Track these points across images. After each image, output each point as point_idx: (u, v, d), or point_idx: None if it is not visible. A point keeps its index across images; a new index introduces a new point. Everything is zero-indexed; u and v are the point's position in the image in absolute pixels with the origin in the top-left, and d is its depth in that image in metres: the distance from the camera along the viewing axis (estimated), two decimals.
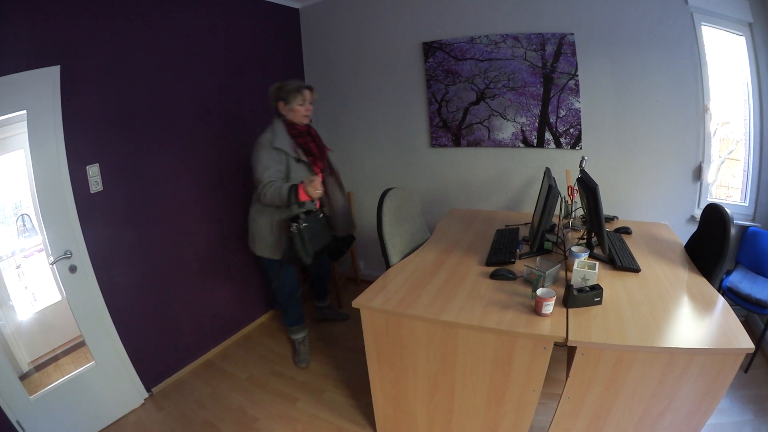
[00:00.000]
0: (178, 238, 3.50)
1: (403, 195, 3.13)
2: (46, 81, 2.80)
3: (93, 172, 2.99)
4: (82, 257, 3.03)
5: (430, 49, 3.62)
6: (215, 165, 3.67)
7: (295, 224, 2.77)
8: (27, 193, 4.30)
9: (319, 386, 3.29)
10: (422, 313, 1.98)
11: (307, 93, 2.87)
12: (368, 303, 2.14)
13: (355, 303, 2.18)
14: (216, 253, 3.76)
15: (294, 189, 2.65)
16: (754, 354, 2.69)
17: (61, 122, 2.79)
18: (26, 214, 4.75)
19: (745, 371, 2.66)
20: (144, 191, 3.07)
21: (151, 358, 3.31)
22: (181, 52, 3.36)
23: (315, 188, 2.63)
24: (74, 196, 2.94)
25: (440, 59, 3.59)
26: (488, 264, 2.36)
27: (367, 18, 3.96)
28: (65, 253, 2.98)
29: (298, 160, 2.87)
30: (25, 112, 2.81)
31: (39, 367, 4.18)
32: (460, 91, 3.59)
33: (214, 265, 3.76)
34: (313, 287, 3.85)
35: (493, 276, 2.19)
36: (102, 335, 3.15)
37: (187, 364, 3.58)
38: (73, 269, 2.98)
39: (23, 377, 4.01)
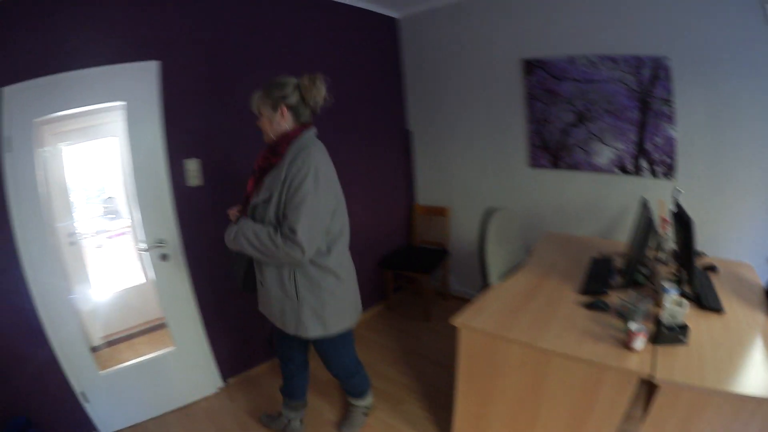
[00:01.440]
0: None
1: (506, 216, 3.34)
2: (145, 75, 3.09)
3: (192, 166, 3.26)
4: (175, 247, 3.30)
5: (530, 66, 3.85)
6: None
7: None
8: (116, 179, 4.85)
9: (398, 396, 3.47)
10: (519, 338, 2.16)
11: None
12: (468, 323, 2.35)
13: (455, 322, 2.38)
14: None
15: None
16: None
17: (159, 115, 3.10)
18: (113, 197, 5.36)
19: None
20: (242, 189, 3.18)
21: (231, 349, 3.67)
22: (279, 54, 3.71)
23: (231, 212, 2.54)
24: (172, 188, 3.22)
25: (540, 78, 3.82)
26: (583, 293, 2.56)
27: (466, 30, 4.23)
28: (159, 242, 3.20)
29: None
30: (125, 103, 3.07)
31: (111, 343, 4.65)
32: (560, 112, 3.79)
33: None
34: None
35: (588, 306, 2.39)
36: (186, 322, 3.43)
37: (267, 360, 3.95)
38: (164, 257, 3.21)
39: (93, 350, 4.42)
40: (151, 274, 3.33)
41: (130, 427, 3.41)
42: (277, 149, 2.29)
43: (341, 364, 2.89)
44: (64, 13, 2.82)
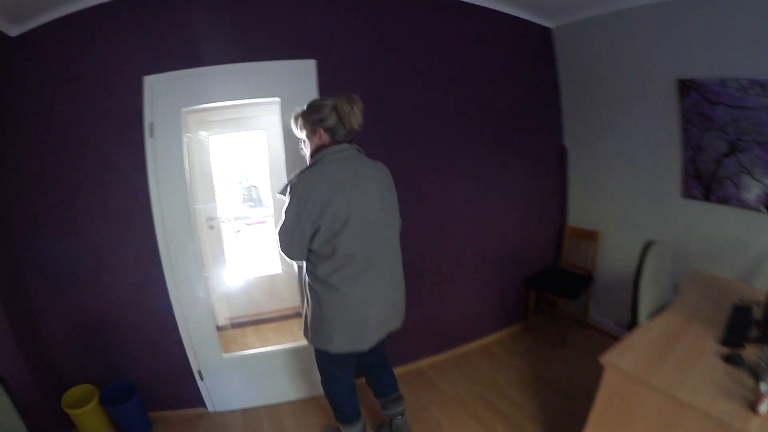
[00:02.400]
0: (432, 240, 4.19)
1: (663, 251, 3.32)
2: (301, 73, 3.38)
3: None
4: None
5: (685, 87, 3.77)
6: (478, 179, 4.41)
7: None
8: (261, 169, 5.18)
9: (520, 423, 3.57)
10: (661, 386, 2.19)
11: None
12: (616, 362, 2.40)
13: (603, 359, 2.45)
14: (465, 260, 4.45)
15: None
16: None
17: None
18: (255, 186, 5.89)
19: None
20: (407, 191, 3.23)
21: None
22: (430, 61, 3.93)
23: None
24: None
25: (695, 100, 3.73)
26: (722, 343, 2.56)
27: (622, 42, 4.21)
28: None
29: None
30: (278, 99, 3.39)
31: (237, 325, 5.19)
32: (713, 140, 3.69)
33: (458, 273, 4.46)
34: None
35: (726, 359, 2.39)
36: None
37: (396, 366, 4.03)
38: None
39: (218, 329, 4.75)
40: (288, 266, 3.49)
41: (240, 409, 3.82)
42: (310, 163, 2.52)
43: (324, 383, 3.08)
44: (218, 5, 3.22)
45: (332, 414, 3.23)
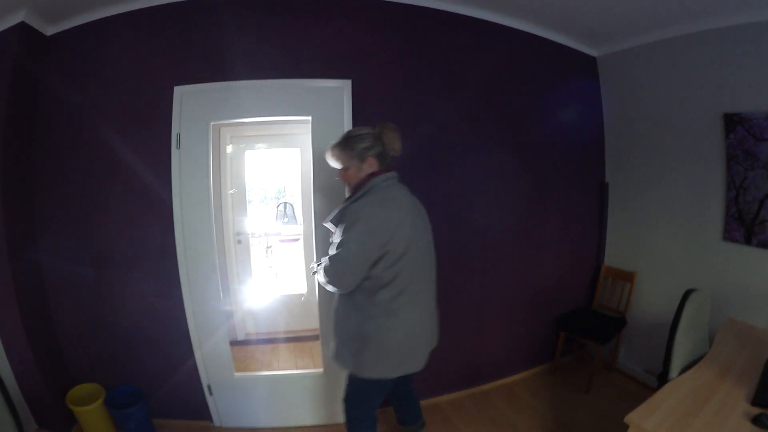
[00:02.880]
0: (463, 271, 4.16)
1: (701, 299, 3.23)
2: (333, 92, 3.36)
3: None
4: None
5: (730, 122, 3.63)
6: (512, 209, 4.27)
7: None
8: (295, 187, 5.29)
9: None
10: None
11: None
12: (641, 423, 2.31)
13: (629, 419, 2.35)
14: (495, 295, 4.36)
15: None
16: None
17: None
18: (290, 203, 5.89)
19: None
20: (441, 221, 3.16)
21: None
22: (469, 86, 3.92)
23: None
24: None
25: (741, 136, 3.59)
26: (753, 403, 2.45)
27: (665, 73, 4.14)
28: None
29: None
30: (309, 117, 3.38)
31: (255, 342, 5.19)
32: (757, 179, 3.54)
33: (487, 308, 4.37)
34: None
35: (755, 420, 2.30)
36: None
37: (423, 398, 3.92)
38: None
39: (236, 343, 4.96)
40: (314, 288, 3.51)
41: (248, 428, 3.82)
42: (354, 191, 2.60)
43: (354, 410, 2.99)
44: (254, 21, 3.26)
45: None
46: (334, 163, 2.65)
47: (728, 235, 3.85)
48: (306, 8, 3.37)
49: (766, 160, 3.48)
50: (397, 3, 3.58)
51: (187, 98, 3.22)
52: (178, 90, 3.23)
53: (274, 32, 3.32)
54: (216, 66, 3.24)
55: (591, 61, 4.74)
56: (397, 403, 3.32)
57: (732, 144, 3.70)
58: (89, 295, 3.54)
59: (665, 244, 4.48)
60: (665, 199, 4.43)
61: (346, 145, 2.59)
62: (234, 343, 5.06)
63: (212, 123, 3.29)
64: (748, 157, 3.60)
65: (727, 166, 3.77)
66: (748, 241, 3.70)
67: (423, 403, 3.70)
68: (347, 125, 3.41)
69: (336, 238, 2.49)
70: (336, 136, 2.72)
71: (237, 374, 3.74)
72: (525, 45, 4.18)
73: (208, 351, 3.64)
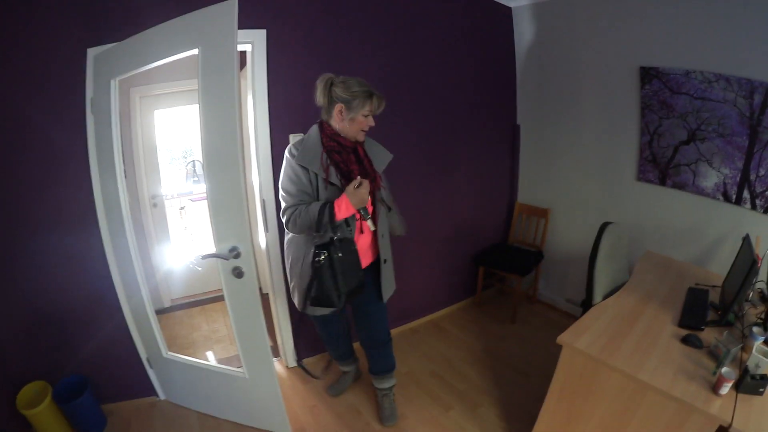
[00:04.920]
0: None
1: (619, 232, 3.39)
2: (225, 17, 2.43)
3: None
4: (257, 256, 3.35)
5: (647, 75, 3.80)
6: (429, 154, 4.23)
7: (323, 253, 2.39)
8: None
9: (476, 400, 3.53)
10: (622, 367, 2.21)
11: (376, 102, 2.50)
12: (573, 343, 2.41)
13: (560, 340, 2.45)
14: (413, 237, 4.15)
15: (328, 206, 2.41)
16: None
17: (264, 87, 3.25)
18: (199, 161, 5.72)
19: None
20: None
21: (312, 331, 3.47)
22: (390, 35, 3.81)
23: (361, 194, 2.43)
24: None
25: (656, 88, 3.77)
26: (679, 325, 2.60)
27: (583, 27, 4.19)
28: (231, 250, 2.69)
29: (331, 184, 2.51)
30: (196, 51, 2.60)
31: (185, 306, 5.04)
32: (673, 127, 3.75)
33: (407, 250, 4.27)
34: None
35: (684, 340, 2.43)
36: (259, 357, 3.02)
37: None
38: (239, 273, 2.72)
39: (163, 311, 4.80)
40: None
41: (188, 408, 3.54)
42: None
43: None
44: None
45: None
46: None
47: (642, 176, 4.08)
48: None
49: (681, 111, 3.68)
50: None
51: (98, 60, 2.86)
52: (91, 52, 2.87)
53: None
54: (123, 22, 2.87)
55: (507, 11, 4.75)
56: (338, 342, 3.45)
57: (647, 94, 3.88)
58: (9, 282, 3.02)
59: (580, 183, 4.67)
60: (579, 142, 4.58)
61: None
62: (161, 311, 4.79)
63: (117, 79, 2.88)
64: (663, 107, 3.80)
65: (642, 113, 3.96)
66: (662, 182, 3.94)
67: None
68: (264, 77, 3.27)
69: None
70: (228, 70, 2.39)
71: (167, 355, 3.42)
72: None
73: (140, 322, 3.36)
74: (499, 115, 5.02)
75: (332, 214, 2.40)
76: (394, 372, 3.32)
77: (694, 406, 1.98)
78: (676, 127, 3.75)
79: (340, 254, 2.43)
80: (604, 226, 3.24)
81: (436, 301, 4.93)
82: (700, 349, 2.40)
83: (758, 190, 3.37)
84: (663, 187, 3.94)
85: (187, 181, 5.59)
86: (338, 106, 2.46)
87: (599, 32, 4.11)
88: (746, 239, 2.82)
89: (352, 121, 2.49)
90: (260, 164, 3.40)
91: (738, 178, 3.47)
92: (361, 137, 2.60)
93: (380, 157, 2.77)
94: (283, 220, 2.56)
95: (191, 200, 5.50)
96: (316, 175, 2.48)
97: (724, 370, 2.02)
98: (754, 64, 3.22)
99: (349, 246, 2.52)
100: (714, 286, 3.12)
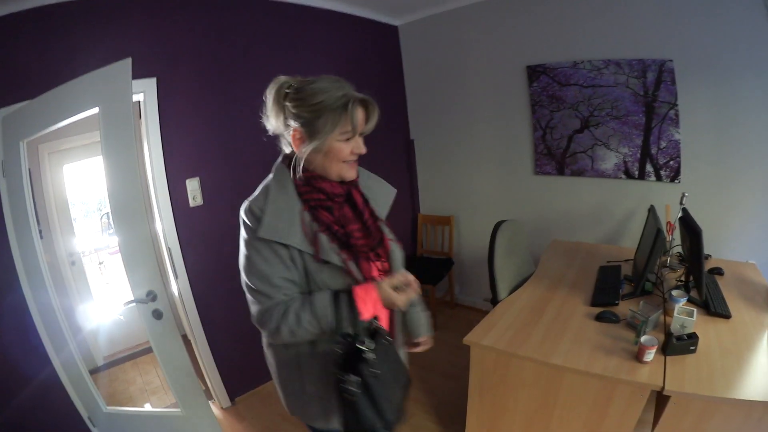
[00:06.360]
0: None
1: (514, 227, 3.37)
2: (122, 75, 2.59)
3: (193, 186, 3.20)
4: (175, 297, 3.25)
5: (534, 73, 3.85)
6: None
7: (352, 379, 1.36)
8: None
9: (410, 411, 3.29)
10: (532, 355, 2.17)
11: (360, 112, 1.50)
12: (479, 341, 2.35)
13: (467, 340, 2.38)
14: None
15: (345, 300, 1.44)
16: None
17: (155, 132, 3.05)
18: (110, 213, 5.37)
19: None
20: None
21: (238, 368, 3.59)
22: (282, 67, 3.61)
23: (405, 295, 1.49)
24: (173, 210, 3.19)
25: (544, 84, 3.82)
26: (593, 305, 2.57)
27: (469, 37, 4.21)
28: (150, 294, 2.65)
29: (325, 262, 1.47)
30: (97, 109, 2.67)
31: (116, 363, 4.67)
32: (565, 118, 3.80)
33: None
34: None
35: (598, 318, 2.40)
36: (192, 392, 2.97)
37: (271, 379, 3.82)
38: (159, 314, 2.68)
39: (96, 370, 4.41)
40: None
41: None
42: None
43: None
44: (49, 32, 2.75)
45: None
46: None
47: (539, 170, 4.11)
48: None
49: (572, 102, 3.74)
50: None
51: (6, 122, 2.70)
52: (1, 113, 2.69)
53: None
54: (28, 82, 2.70)
55: (393, 29, 4.75)
56: None
57: (536, 91, 3.92)
58: None
59: (480, 186, 4.66)
60: (475, 147, 4.58)
61: None
62: (95, 371, 4.42)
63: (25, 141, 2.77)
64: (553, 100, 3.84)
65: (532, 110, 4.00)
66: (561, 173, 3.98)
67: (258, 389, 3.74)
68: (157, 124, 3.09)
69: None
70: (126, 125, 2.42)
71: (107, 410, 3.22)
72: (335, 24, 4.12)
73: (75, 382, 3.08)
74: (394, 133, 4.97)
75: (354, 312, 1.43)
76: None
77: (617, 378, 1.96)
78: (569, 118, 3.79)
79: (375, 369, 1.41)
80: (498, 225, 3.22)
81: None
82: (617, 324, 2.37)
83: (661, 161, 3.45)
84: (562, 176, 3.98)
85: (104, 233, 5.22)
86: (294, 131, 1.46)
87: (485, 39, 4.14)
88: (651, 210, 2.86)
89: (324, 153, 1.48)
90: (161, 212, 3.19)
91: (639, 155, 3.54)
92: (349, 174, 1.56)
93: (381, 198, 1.77)
94: (263, 331, 1.54)
95: (109, 254, 5.13)
96: (301, 252, 1.46)
97: (644, 339, 2.01)
98: (644, 44, 3.31)
99: (384, 348, 1.50)
100: (627, 260, 3.14)
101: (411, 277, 1.53)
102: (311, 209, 1.50)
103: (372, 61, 4.54)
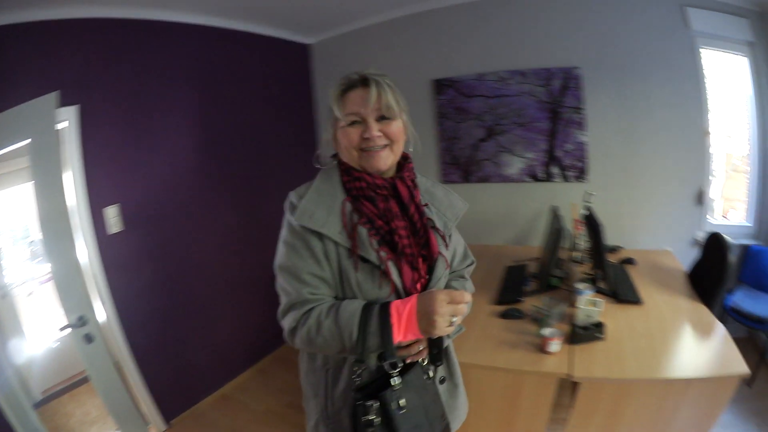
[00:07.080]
0: (195, 274, 3.65)
1: None
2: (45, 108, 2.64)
3: (113, 212, 3.00)
4: (105, 320, 3.02)
5: (440, 86, 3.86)
6: (232, 205, 3.88)
7: (372, 407, 1.11)
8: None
9: None
10: None
11: (356, 94, 1.37)
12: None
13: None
14: (232, 288, 3.95)
15: (378, 311, 1.18)
16: (757, 368, 2.86)
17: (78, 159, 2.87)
18: (37, 240, 5.00)
19: (749, 386, 2.83)
20: (163, 231, 3.13)
21: (170, 390, 3.45)
22: (192, 89, 3.53)
23: (451, 316, 1.18)
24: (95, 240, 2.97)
25: (451, 96, 3.83)
26: (498, 303, 2.55)
27: (377, 54, 4.20)
28: (80, 320, 2.60)
29: (363, 260, 1.25)
30: (29, 140, 2.65)
31: (55, 396, 4.40)
32: (470, 128, 3.82)
33: (230, 300, 3.94)
34: None
35: (503, 316, 2.38)
36: (129, 417, 3.01)
37: (204, 398, 3.74)
38: (90, 338, 2.65)
39: (36, 405, 4.09)
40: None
41: None
42: (413, 178, 1.44)
43: None
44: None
45: None
46: (393, 108, 1.34)
47: (445, 178, 4.09)
48: None
49: (476, 113, 3.76)
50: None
51: None
52: None
53: None
54: None
55: (304, 48, 4.67)
56: None
57: (443, 104, 3.92)
58: None
59: None
60: None
61: (396, 89, 1.41)
62: (37, 405, 4.18)
63: None
64: (459, 112, 3.85)
65: (438, 122, 3.99)
66: (466, 180, 3.99)
67: (213, 397, 3.69)
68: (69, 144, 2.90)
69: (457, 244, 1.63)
70: (51, 155, 2.50)
71: None
72: (245, 44, 3.96)
73: (20, 417, 2.82)
74: (306, 152, 4.66)
75: (387, 330, 1.16)
76: None
77: (522, 370, 1.98)
78: (474, 128, 3.81)
79: (402, 402, 1.15)
80: None
81: (272, 340, 4.48)
82: (521, 319, 2.37)
83: (567, 163, 3.53)
84: (468, 183, 3.99)
85: (32, 262, 4.85)
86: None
87: (392, 55, 4.15)
88: (552, 209, 2.88)
89: (338, 142, 1.38)
90: (86, 238, 2.99)
91: (544, 159, 3.60)
92: (370, 164, 1.31)
93: (445, 208, 1.49)
94: (284, 328, 1.31)
95: (40, 284, 4.76)
96: (336, 244, 1.26)
97: (545, 332, 2.04)
98: (550, 53, 3.41)
99: (420, 379, 1.27)
100: (535, 259, 3.16)
101: (469, 298, 1.24)
102: (353, 200, 1.32)
103: (284, 80, 4.45)
